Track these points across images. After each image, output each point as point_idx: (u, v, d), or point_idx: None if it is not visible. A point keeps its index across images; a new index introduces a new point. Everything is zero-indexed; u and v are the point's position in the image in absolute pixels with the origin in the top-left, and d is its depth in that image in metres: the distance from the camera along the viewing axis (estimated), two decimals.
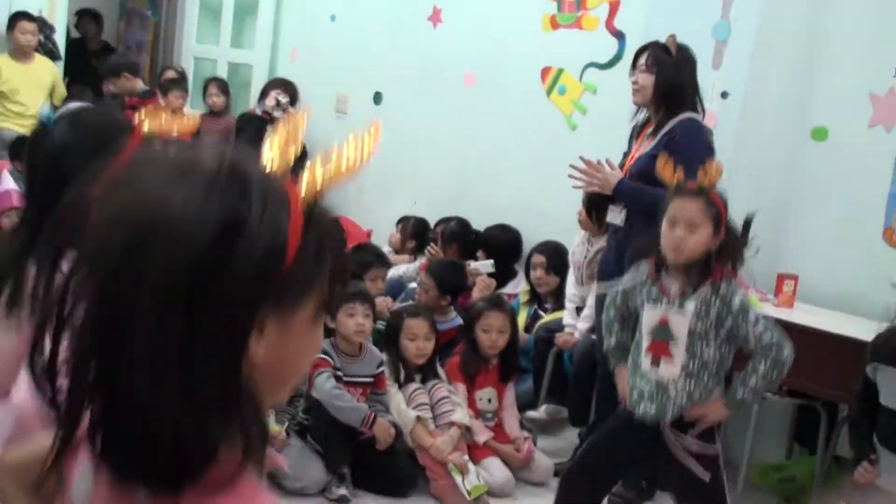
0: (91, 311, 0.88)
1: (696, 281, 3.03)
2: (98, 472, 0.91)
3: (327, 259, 0.94)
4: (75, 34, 8.38)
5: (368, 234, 6.20)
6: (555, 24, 5.42)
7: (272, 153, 0.97)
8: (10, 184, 5.20)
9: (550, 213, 5.22)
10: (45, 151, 1.70)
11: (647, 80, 3.80)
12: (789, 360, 3.01)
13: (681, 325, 3.06)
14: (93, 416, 0.90)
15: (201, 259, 0.83)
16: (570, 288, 4.74)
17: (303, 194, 0.93)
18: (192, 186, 0.86)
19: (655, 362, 3.12)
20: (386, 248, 5.68)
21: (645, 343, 3.16)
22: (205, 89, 7.09)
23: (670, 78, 3.77)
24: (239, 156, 0.93)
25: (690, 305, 3.03)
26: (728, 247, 3.03)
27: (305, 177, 0.95)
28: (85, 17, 8.47)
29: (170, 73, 7.15)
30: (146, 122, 1.54)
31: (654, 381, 3.11)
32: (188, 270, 0.83)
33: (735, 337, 3.07)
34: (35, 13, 6.64)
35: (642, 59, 3.83)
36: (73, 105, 1.78)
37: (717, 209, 3.01)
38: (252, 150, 0.97)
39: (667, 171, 3.12)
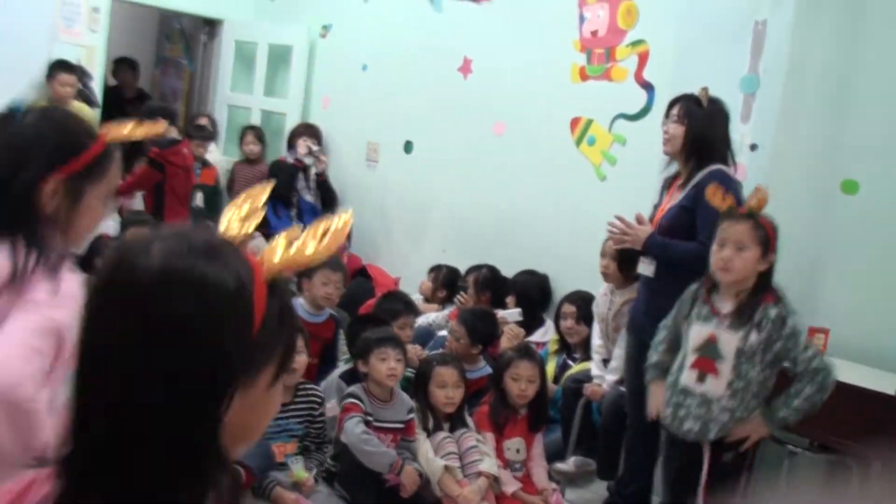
0: (81, 359, 0.93)
1: (749, 302, 3.10)
2: None
3: (287, 327, 0.98)
4: (112, 82, 8.54)
5: (396, 282, 6.24)
6: (584, 76, 5.48)
7: (230, 225, 1.02)
8: None
9: (579, 262, 5.24)
10: (7, 135, 1.72)
11: (678, 130, 3.82)
12: (832, 386, 3.11)
13: (729, 343, 3.14)
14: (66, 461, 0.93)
15: (177, 329, 0.87)
16: (596, 339, 4.74)
17: (264, 267, 0.96)
18: (165, 255, 0.90)
19: (701, 378, 3.19)
20: (415, 296, 5.71)
21: (690, 360, 3.24)
22: (241, 137, 7.21)
23: (700, 129, 3.79)
24: (208, 230, 0.97)
25: (741, 325, 3.12)
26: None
27: (266, 252, 0.98)
28: (122, 65, 8.63)
29: (201, 121, 7.26)
30: (110, 133, 1.60)
31: (697, 398, 3.18)
32: (163, 342, 0.87)
33: (782, 359, 3.13)
34: (73, 61, 6.79)
35: (674, 110, 3.87)
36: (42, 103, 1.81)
37: (765, 232, 3.12)
38: (211, 223, 1.01)
39: (716, 196, 3.23)
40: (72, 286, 1.65)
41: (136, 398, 0.87)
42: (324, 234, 1.03)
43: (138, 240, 0.93)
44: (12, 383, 1.50)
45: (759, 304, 3.11)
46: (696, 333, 3.24)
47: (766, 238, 3.14)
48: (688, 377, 3.25)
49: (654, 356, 3.50)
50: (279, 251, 0.99)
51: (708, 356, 3.19)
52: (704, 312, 3.24)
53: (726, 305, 3.19)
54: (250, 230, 1.02)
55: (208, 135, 7.01)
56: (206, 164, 6.86)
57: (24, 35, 6.71)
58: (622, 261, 4.44)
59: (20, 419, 1.48)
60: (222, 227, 1.03)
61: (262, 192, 1.08)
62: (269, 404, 1.00)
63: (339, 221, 1.06)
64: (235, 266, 0.92)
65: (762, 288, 3.14)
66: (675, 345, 3.41)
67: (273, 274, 0.97)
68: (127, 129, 1.84)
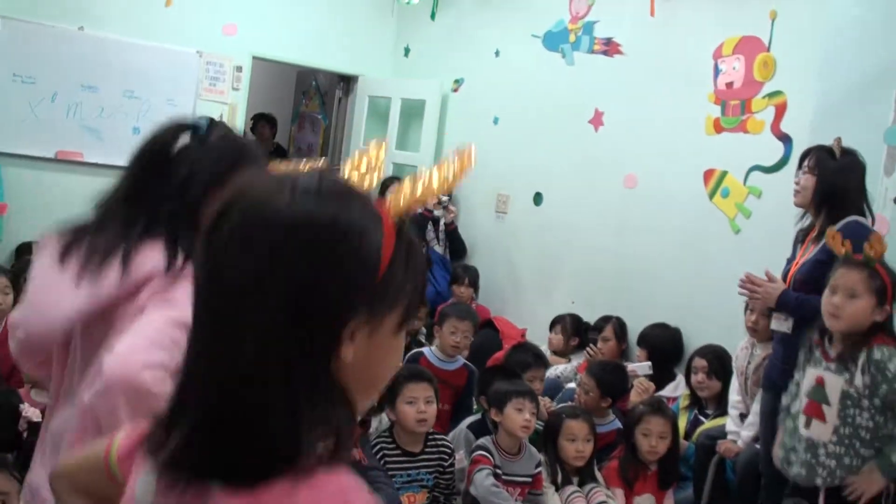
0: (200, 306, 0.97)
1: (854, 346, 3.05)
2: (162, 476, 0.97)
3: (415, 273, 0.99)
4: (251, 136, 8.88)
5: (523, 333, 6.23)
6: (718, 128, 5.41)
7: (353, 174, 1.05)
8: None
9: (712, 316, 5.14)
10: (192, 146, 1.84)
11: (809, 181, 3.75)
12: None
13: (835, 387, 3.15)
14: (169, 420, 0.98)
15: (305, 258, 0.90)
16: (734, 394, 4.62)
17: (391, 211, 0.99)
18: (296, 193, 0.94)
19: (808, 423, 3.18)
20: (543, 348, 5.69)
21: (803, 403, 3.21)
22: (382, 189, 7.35)
23: (831, 180, 3.71)
24: (333, 174, 1.00)
25: (845, 368, 3.12)
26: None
27: (392, 195, 1.01)
28: (261, 121, 8.99)
29: None
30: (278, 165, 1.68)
31: (804, 442, 3.16)
32: (292, 267, 0.90)
33: (893, 405, 3.06)
34: (216, 117, 7.09)
35: (806, 161, 3.79)
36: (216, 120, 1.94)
37: (881, 281, 3.06)
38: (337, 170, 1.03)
39: (836, 242, 3.20)
40: None
41: (260, 326, 0.90)
42: (449, 168, 1.05)
43: (269, 179, 0.97)
44: (134, 371, 1.57)
45: (865, 346, 3.06)
46: (808, 377, 3.26)
47: (884, 288, 3.08)
48: (799, 421, 3.28)
49: (784, 401, 3.51)
50: (405, 193, 1.01)
51: (816, 400, 3.20)
52: (816, 356, 3.27)
53: (835, 349, 3.19)
54: (373, 183, 1.04)
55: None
56: None
57: (172, 94, 7.09)
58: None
59: (141, 408, 1.53)
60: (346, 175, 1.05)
61: (380, 147, 1.09)
62: (392, 351, 1.02)
63: (465, 153, 1.07)
64: (364, 208, 0.96)
65: (872, 331, 3.08)
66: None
67: (400, 216, 0.99)
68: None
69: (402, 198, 1.00)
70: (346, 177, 1.04)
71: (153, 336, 1.62)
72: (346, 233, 0.92)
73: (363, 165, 1.05)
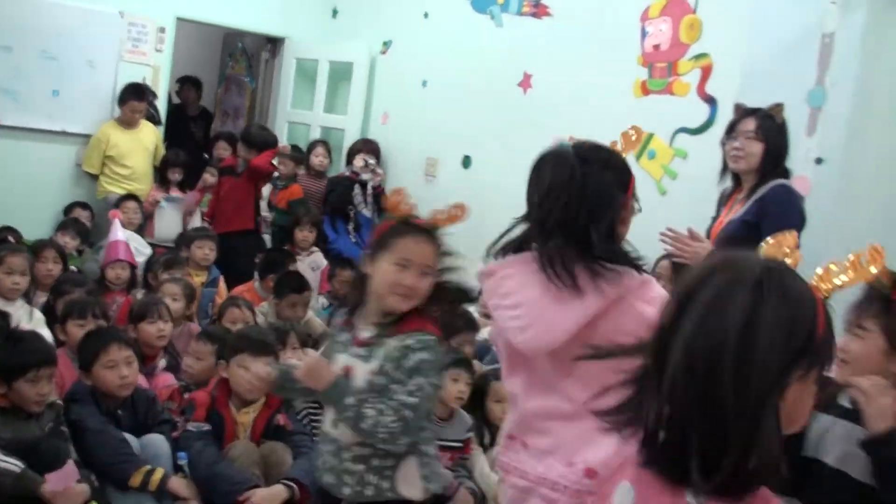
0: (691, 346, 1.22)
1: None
2: (641, 483, 1.28)
3: (831, 339, 1.29)
4: (176, 100, 8.69)
5: None
6: (645, 90, 5.42)
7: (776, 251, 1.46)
8: (119, 234, 5.37)
9: None
10: (592, 175, 2.12)
11: (755, 147, 3.69)
12: None
13: None
14: (668, 440, 1.25)
15: (792, 305, 1.22)
16: None
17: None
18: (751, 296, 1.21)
19: None
20: (471, 309, 5.67)
21: None
22: (310, 150, 7.24)
23: (779, 145, 3.71)
24: (776, 265, 1.30)
25: None
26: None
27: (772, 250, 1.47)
28: (186, 84, 8.79)
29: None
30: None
31: None
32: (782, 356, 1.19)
33: None
34: (140, 80, 6.93)
35: (748, 126, 3.74)
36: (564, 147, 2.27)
37: None
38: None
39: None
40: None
41: (760, 370, 1.17)
42: None
43: (733, 255, 1.32)
44: None
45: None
46: None
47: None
48: None
49: None
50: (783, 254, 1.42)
51: None
52: None
53: None
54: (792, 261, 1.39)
55: (300, 158, 7.10)
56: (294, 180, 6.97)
57: (93, 55, 6.90)
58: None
59: None
60: (764, 251, 1.47)
61: (793, 238, 1.48)
62: (810, 399, 1.28)
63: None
64: (804, 284, 1.29)
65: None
66: None
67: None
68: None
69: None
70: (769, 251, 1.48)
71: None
72: (814, 305, 1.25)
73: (783, 248, 1.45)
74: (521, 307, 2.12)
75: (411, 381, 2.40)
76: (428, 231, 2.64)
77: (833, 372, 2.48)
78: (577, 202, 2.08)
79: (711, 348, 1.19)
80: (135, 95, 6.74)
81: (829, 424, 2.32)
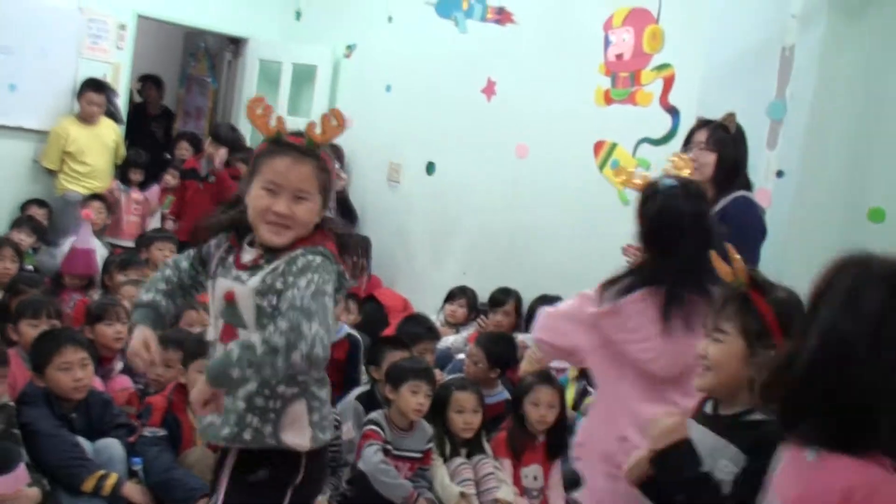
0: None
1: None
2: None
3: None
4: (137, 99, 8.59)
5: (405, 303, 6.20)
6: (608, 100, 5.44)
7: None
8: (91, 241, 5.28)
9: None
10: (674, 211, 2.68)
11: (708, 157, 3.69)
12: None
13: None
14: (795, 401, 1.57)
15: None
16: None
17: None
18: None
19: None
20: (433, 317, 5.66)
21: None
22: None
23: (732, 155, 3.70)
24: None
25: None
26: None
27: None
28: (147, 83, 8.68)
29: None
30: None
31: None
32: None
33: None
34: (100, 77, 6.84)
35: (701, 137, 3.74)
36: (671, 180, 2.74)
37: None
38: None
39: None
40: None
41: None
42: None
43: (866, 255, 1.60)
44: None
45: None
46: None
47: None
48: None
49: None
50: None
51: None
52: None
53: None
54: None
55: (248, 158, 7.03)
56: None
57: (52, 51, 6.78)
58: None
59: None
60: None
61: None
62: None
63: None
64: None
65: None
66: None
67: None
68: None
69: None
70: None
71: None
72: None
73: None
74: (650, 341, 2.57)
75: (301, 279, 2.11)
76: (302, 150, 2.27)
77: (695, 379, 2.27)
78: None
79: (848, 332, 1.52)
80: (92, 88, 6.65)
81: None
